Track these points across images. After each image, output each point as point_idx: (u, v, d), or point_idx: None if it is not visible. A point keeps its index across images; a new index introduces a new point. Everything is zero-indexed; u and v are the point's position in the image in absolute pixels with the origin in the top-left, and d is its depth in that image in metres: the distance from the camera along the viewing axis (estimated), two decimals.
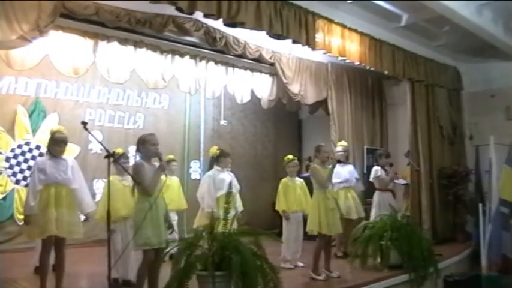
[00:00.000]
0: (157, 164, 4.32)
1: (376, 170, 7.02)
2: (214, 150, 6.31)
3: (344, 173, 7.02)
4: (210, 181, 6.05)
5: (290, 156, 6.46)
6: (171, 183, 6.43)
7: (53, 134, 4.69)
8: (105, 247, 4.07)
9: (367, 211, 7.72)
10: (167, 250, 4.26)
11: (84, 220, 4.91)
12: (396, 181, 7.87)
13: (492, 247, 7.02)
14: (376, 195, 7.05)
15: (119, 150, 5.37)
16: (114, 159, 4.28)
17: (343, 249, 6.96)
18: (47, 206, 4.43)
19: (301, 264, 6.17)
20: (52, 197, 4.46)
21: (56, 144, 4.61)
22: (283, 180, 6.36)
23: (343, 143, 7.36)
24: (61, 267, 4.58)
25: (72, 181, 4.62)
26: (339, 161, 6.00)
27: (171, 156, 6.92)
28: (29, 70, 6.52)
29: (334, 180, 6.38)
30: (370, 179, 7.09)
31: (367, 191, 8.12)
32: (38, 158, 4.70)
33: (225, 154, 6.20)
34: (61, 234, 4.48)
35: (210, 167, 6.26)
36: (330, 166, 5.63)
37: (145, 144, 4.34)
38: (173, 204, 6.31)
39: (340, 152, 7.05)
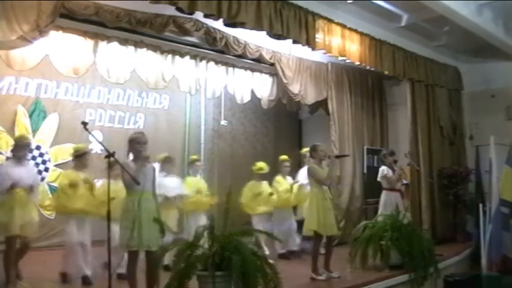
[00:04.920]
0: (154, 164, 4.31)
1: (382, 170, 7.03)
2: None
3: None
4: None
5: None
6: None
7: (19, 138, 5.34)
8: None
9: (368, 211, 7.71)
10: (163, 253, 4.22)
11: None
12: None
13: (492, 247, 7.01)
14: (384, 195, 7.06)
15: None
16: (115, 159, 4.27)
17: None
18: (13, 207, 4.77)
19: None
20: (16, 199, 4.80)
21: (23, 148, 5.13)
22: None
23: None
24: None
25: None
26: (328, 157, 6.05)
27: (195, 157, 7.07)
28: (29, 70, 6.51)
29: None
30: (378, 179, 7.10)
31: (368, 192, 8.10)
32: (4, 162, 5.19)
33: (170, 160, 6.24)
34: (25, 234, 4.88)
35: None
36: (328, 167, 5.65)
37: (132, 143, 4.34)
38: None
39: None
